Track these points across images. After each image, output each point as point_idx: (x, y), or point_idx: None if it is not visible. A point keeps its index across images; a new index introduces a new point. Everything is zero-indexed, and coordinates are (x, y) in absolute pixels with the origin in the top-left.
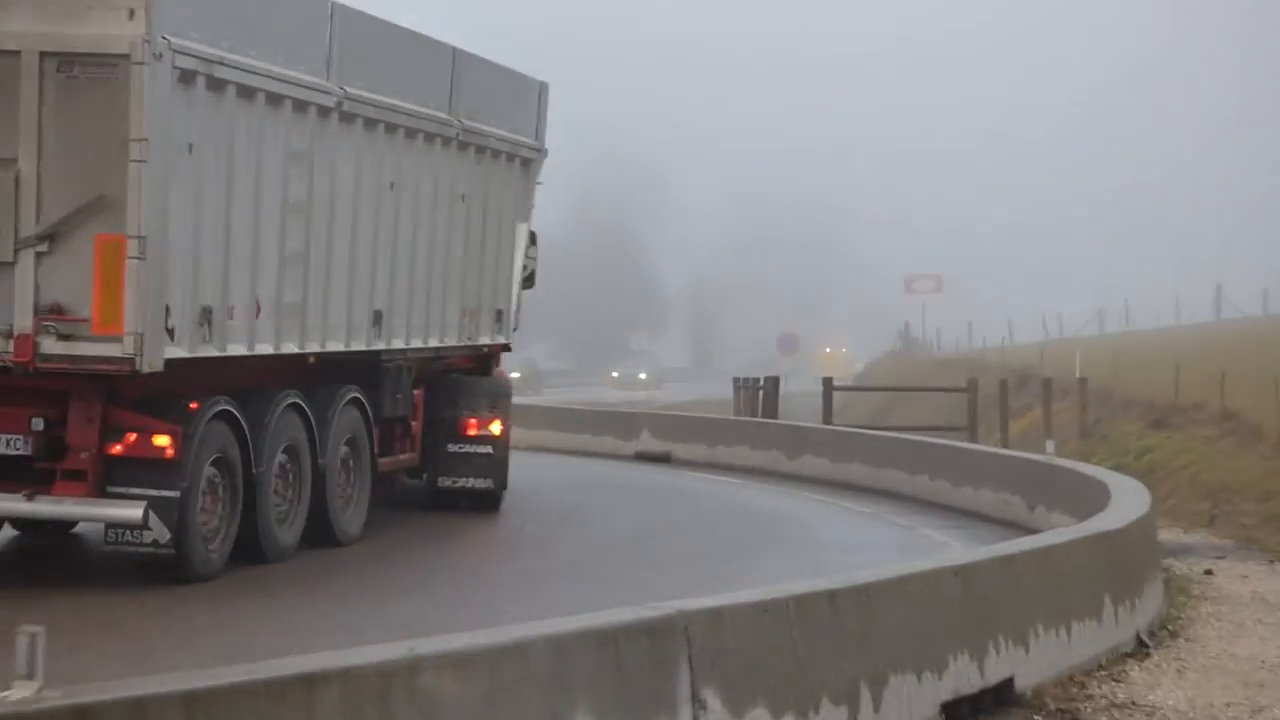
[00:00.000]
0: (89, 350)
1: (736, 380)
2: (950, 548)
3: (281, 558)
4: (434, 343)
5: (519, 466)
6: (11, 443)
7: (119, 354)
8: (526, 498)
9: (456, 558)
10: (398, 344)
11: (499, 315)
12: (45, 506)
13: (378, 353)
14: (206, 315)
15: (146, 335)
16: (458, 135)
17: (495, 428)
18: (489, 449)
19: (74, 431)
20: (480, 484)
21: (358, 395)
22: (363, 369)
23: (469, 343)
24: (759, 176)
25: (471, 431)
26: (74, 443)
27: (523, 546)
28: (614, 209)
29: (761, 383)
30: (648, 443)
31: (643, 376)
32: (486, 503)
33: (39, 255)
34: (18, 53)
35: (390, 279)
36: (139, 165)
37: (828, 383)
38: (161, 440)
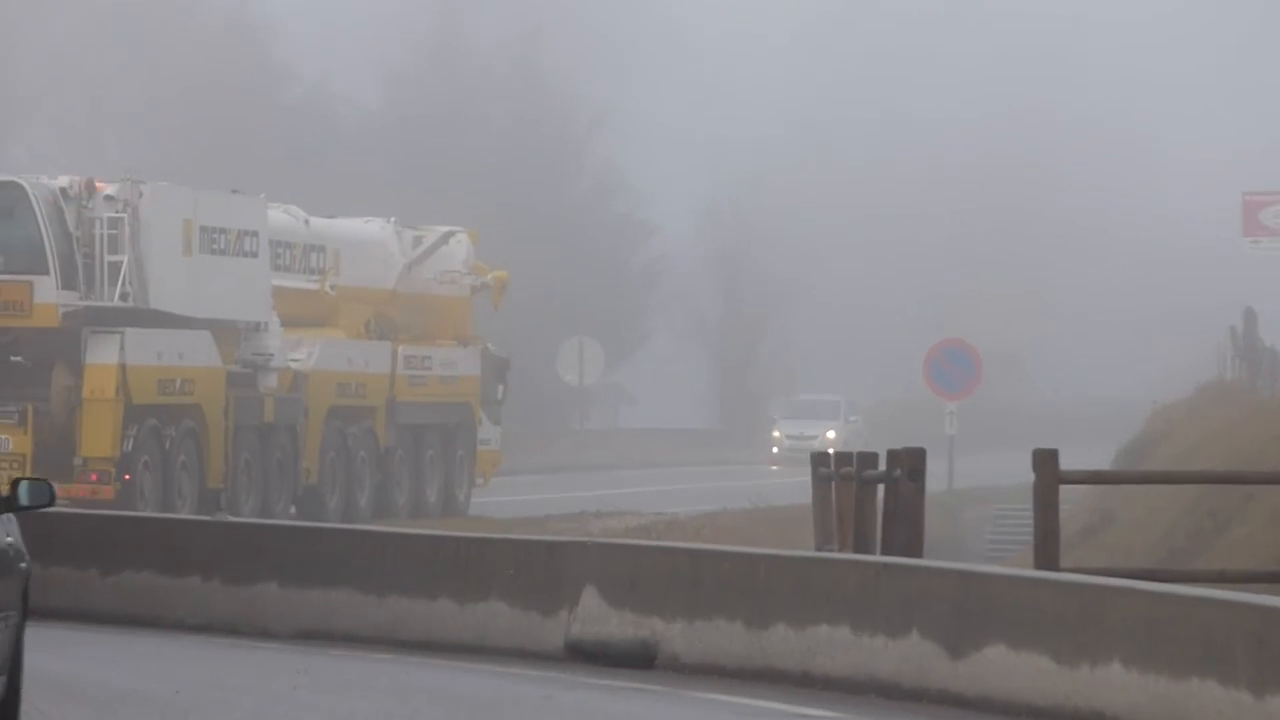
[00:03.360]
0: None
1: (820, 463)
2: None
3: None
4: None
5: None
6: None
7: None
8: None
9: None
10: None
11: None
12: None
13: None
14: None
15: None
16: None
17: None
18: None
19: None
20: None
21: None
22: None
23: None
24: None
25: None
26: None
27: None
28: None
29: (884, 468)
30: (597, 618)
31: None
32: None
33: None
34: None
35: None
36: None
37: (1047, 464)
38: None
